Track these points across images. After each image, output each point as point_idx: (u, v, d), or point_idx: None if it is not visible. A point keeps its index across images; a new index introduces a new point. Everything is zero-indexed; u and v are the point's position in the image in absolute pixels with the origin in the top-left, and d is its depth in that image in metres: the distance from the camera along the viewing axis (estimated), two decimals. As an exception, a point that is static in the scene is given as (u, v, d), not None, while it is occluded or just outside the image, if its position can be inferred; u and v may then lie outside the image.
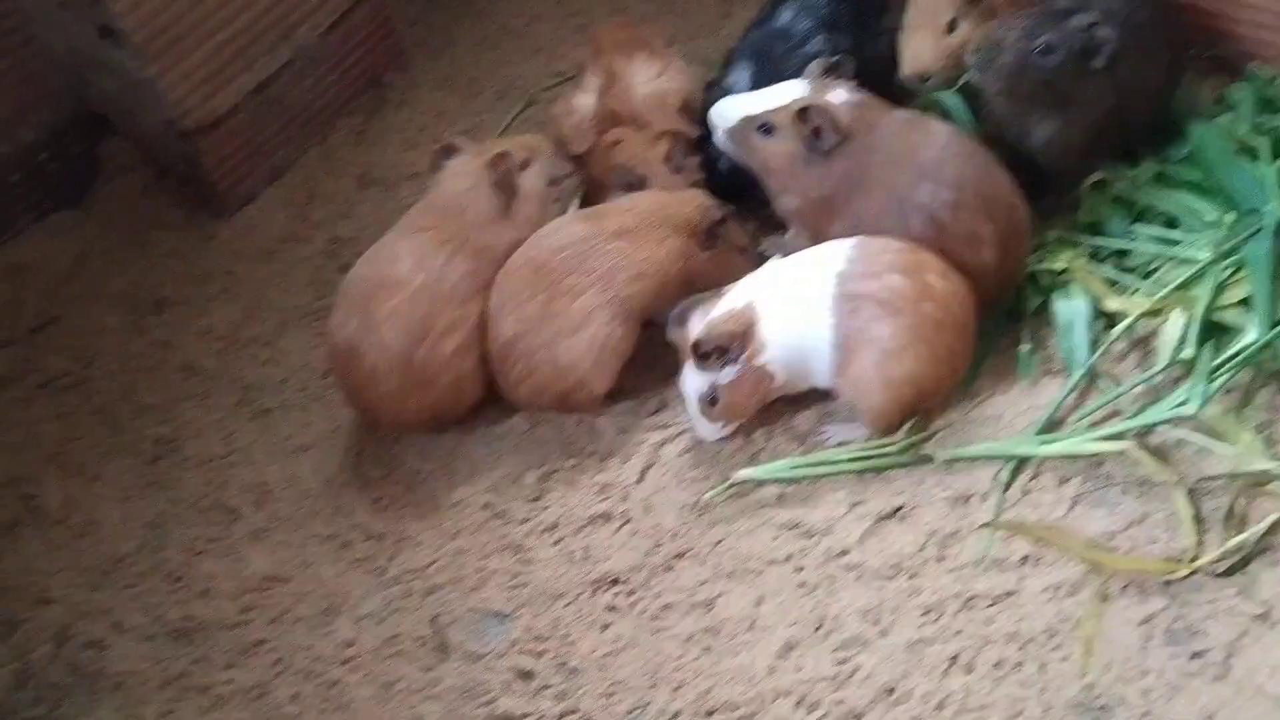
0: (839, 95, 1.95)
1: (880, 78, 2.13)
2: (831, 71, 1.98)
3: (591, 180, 2.13)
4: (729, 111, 1.98)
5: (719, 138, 2.00)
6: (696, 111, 2.16)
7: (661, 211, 1.97)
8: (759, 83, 2.07)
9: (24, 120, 2.35)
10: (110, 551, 2.00)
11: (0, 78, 2.28)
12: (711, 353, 1.83)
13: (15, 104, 2.32)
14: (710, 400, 1.87)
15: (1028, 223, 1.98)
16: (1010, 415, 1.89)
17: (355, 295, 1.97)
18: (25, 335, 2.30)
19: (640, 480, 1.93)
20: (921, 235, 1.88)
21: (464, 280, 1.97)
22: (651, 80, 2.10)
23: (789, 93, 1.97)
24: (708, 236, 1.95)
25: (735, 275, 1.93)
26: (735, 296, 1.87)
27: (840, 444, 1.90)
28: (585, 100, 2.12)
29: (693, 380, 1.88)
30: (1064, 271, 1.99)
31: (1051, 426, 1.87)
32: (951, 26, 2.10)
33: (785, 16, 2.19)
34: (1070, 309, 1.97)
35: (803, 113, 1.91)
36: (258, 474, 2.06)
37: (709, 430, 1.90)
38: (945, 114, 2.12)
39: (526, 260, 1.96)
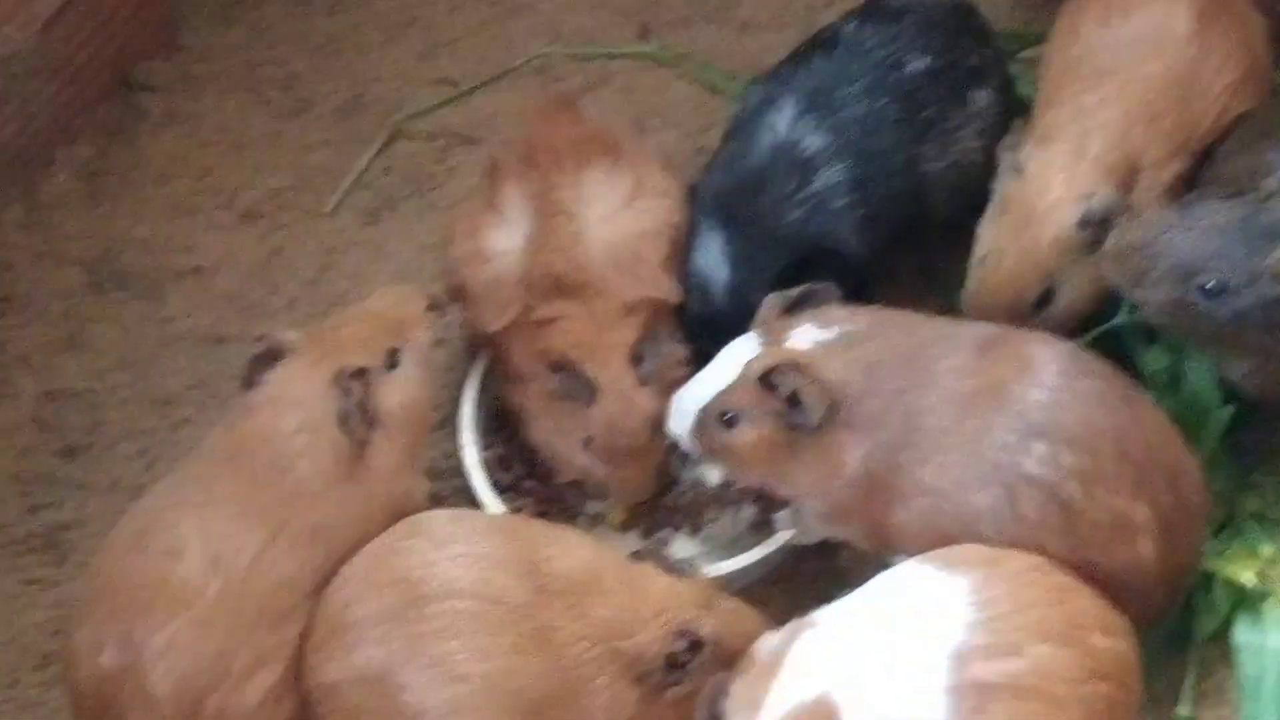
0: (808, 335, 1.40)
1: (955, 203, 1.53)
2: (801, 303, 1.43)
3: (509, 371, 1.34)
4: (686, 405, 1.41)
5: (686, 445, 1.42)
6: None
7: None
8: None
9: None
10: None
11: None
12: None
13: None
14: None
15: (1203, 492, 1.38)
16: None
17: (111, 606, 1.31)
18: None
19: None
20: (1039, 524, 1.34)
21: (284, 586, 1.29)
22: (616, 213, 1.28)
23: (740, 354, 1.42)
24: None
25: None
26: (797, 686, 1.21)
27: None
28: (507, 242, 1.30)
29: None
30: (1260, 580, 1.42)
31: None
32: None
33: (781, 122, 1.44)
34: (1261, 645, 1.42)
35: (765, 380, 1.35)
36: None
37: None
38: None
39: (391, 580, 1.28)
